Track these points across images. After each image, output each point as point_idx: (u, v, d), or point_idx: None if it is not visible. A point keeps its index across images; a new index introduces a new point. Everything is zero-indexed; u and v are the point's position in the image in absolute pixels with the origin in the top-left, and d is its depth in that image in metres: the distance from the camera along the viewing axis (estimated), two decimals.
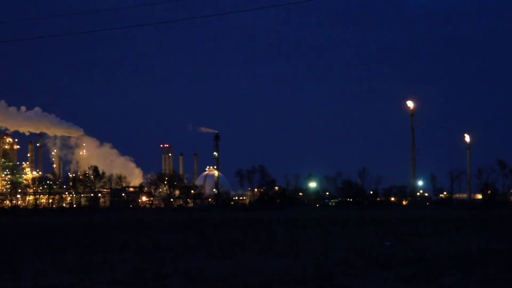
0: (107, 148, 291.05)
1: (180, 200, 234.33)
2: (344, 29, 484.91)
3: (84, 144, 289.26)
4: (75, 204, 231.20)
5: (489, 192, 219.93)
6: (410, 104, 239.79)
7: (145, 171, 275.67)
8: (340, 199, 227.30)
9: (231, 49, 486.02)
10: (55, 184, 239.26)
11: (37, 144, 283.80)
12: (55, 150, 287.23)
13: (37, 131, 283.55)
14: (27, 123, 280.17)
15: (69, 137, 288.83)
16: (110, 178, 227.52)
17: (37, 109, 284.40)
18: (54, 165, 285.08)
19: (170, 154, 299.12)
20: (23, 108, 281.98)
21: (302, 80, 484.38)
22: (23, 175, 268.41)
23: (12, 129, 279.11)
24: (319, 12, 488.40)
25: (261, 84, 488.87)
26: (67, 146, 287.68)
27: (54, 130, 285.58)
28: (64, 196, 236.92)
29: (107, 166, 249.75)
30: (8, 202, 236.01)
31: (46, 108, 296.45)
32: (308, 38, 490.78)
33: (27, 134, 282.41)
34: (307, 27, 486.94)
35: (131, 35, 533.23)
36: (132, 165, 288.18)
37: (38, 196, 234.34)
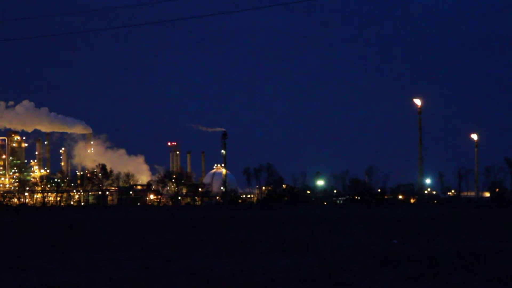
0: (106, 144, 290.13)
1: (188, 198, 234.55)
2: (353, 27, 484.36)
3: (92, 142, 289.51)
4: (83, 202, 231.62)
5: (497, 190, 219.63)
6: (417, 102, 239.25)
7: (152, 169, 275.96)
8: (347, 197, 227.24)
9: (238, 48, 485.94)
10: (63, 182, 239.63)
11: (45, 142, 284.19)
12: (63, 148, 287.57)
13: (30, 130, 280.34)
14: (27, 120, 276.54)
15: (70, 134, 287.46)
16: (118, 176, 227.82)
17: (26, 102, 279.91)
18: (62, 163, 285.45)
19: (177, 152, 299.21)
20: (11, 102, 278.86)
21: (309, 78, 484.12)
22: (31, 173, 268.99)
23: (1, 127, 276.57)
24: (328, 11, 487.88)
25: (268, 82, 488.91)
26: (70, 143, 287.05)
27: (58, 127, 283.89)
28: (72, 194, 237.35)
29: (114, 163, 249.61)
30: (16, 200, 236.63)
31: (50, 108, 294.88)
32: (314, 36, 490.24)
33: (19, 131, 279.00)
34: (314, 26, 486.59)
35: (137, 33, 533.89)
36: (143, 165, 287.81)
37: (46, 194, 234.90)
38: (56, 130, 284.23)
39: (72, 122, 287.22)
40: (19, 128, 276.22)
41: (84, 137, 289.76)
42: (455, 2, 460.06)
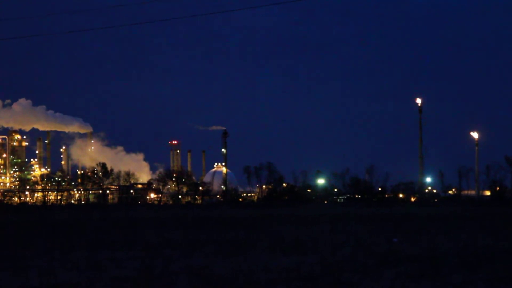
0: (105, 143, 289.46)
1: (188, 197, 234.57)
2: (353, 27, 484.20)
3: (92, 141, 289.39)
4: (83, 201, 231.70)
5: (498, 189, 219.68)
6: (418, 101, 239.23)
7: (153, 168, 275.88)
8: (348, 195, 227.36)
9: (238, 46, 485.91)
10: (64, 181, 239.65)
11: (45, 141, 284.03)
12: (63, 147, 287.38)
13: (27, 129, 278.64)
14: (24, 119, 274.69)
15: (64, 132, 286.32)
16: (118, 175, 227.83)
17: (23, 100, 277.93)
18: (63, 162, 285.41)
19: (178, 151, 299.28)
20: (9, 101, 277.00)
21: (309, 77, 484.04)
22: (32, 172, 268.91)
23: None
24: (328, 11, 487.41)
25: (268, 81, 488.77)
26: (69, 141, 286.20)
27: (55, 126, 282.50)
28: (72, 193, 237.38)
29: (114, 162, 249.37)
30: (16, 199, 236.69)
31: (50, 107, 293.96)
32: (314, 35, 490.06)
33: (17, 130, 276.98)
34: (315, 25, 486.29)
35: (137, 32, 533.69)
36: (143, 163, 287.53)
37: (46, 193, 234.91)
38: (53, 128, 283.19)
39: (70, 120, 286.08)
40: (16, 127, 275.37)
41: (83, 136, 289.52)
42: (455, 2, 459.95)
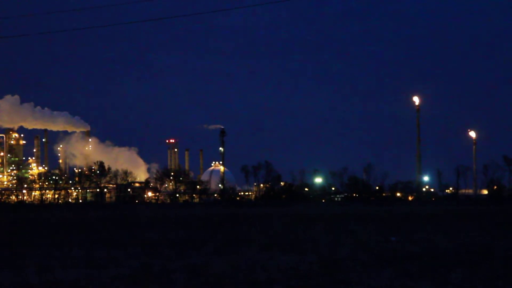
0: (101, 141, 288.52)
1: (186, 195, 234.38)
2: (352, 26, 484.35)
3: (90, 140, 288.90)
4: (81, 199, 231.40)
5: (495, 188, 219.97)
6: (415, 100, 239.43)
7: (150, 167, 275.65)
8: (346, 194, 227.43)
9: (236, 45, 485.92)
10: (61, 180, 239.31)
11: (43, 140, 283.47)
12: (61, 146, 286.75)
13: (16, 126, 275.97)
14: (10, 116, 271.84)
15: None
16: (116, 174, 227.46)
17: (9, 97, 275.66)
18: (60, 160, 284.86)
19: (176, 150, 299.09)
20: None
21: (307, 76, 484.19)
22: (29, 170, 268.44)
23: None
24: (327, 10, 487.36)
25: (267, 80, 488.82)
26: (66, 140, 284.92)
27: (42, 123, 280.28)
28: (70, 191, 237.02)
29: (110, 160, 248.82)
30: (14, 197, 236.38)
31: (49, 105, 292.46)
32: (313, 34, 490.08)
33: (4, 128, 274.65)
34: (314, 25, 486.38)
35: (136, 30, 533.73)
36: (138, 160, 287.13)
37: (44, 191, 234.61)
38: (41, 126, 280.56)
39: (57, 115, 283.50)
40: (4, 125, 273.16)
41: (73, 133, 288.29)
42: (454, 1, 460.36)
